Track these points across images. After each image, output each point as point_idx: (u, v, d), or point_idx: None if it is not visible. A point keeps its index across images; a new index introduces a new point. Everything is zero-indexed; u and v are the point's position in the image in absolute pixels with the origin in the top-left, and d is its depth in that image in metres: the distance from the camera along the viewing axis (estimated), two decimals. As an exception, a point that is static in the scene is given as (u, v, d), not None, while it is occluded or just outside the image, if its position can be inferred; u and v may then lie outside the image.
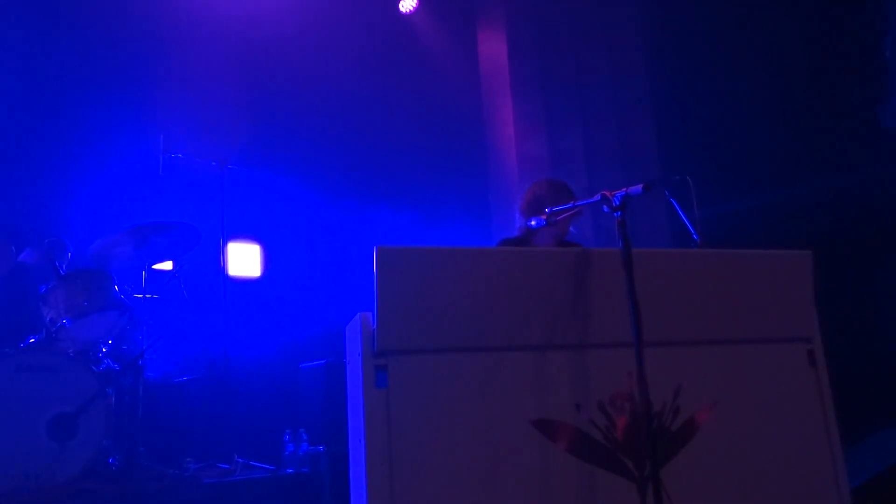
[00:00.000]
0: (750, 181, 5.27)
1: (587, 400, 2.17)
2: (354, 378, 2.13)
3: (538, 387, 2.13)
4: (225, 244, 4.35)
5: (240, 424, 4.07)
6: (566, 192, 3.20)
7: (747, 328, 2.37)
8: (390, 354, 2.03)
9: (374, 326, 2.03)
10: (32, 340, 3.44)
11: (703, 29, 5.57)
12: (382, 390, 2.01)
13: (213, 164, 4.40)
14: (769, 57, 5.31)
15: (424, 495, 1.97)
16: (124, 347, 3.77)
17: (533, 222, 2.85)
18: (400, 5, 6.17)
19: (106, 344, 3.61)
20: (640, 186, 2.14)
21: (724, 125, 5.41)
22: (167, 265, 4.41)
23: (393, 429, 1.99)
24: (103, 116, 4.61)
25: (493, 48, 6.37)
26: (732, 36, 5.49)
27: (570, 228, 3.22)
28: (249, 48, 5.42)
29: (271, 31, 5.54)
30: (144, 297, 3.98)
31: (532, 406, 2.12)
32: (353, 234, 5.37)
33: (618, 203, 2.15)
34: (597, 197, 2.24)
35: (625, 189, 2.16)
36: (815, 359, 2.44)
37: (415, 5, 6.19)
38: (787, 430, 2.33)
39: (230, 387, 4.13)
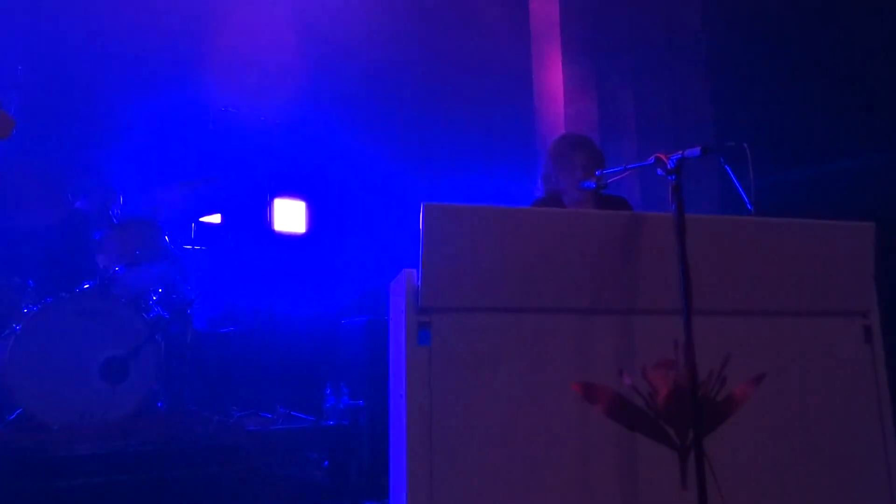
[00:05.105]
0: (808, 150, 5.05)
1: (630, 366, 2.14)
2: (397, 334, 2.13)
3: (581, 350, 2.11)
4: (271, 200, 4.40)
5: (282, 376, 4.17)
6: (574, 143, 2.97)
7: (801, 300, 2.29)
8: (434, 312, 2.02)
9: (419, 283, 2.02)
10: (87, 286, 3.55)
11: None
12: (425, 347, 2.01)
13: (262, 118, 4.44)
14: (831, 20, 5.04)
15: (463, 452, 1.98)
16: (173, 297, 3.86)
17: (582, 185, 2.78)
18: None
19: (156, 292, 3.71)
20: (697, 149, 2.07)
21: (782, 91, 5.17)
22: (215, 218, 4.49)
23: (434, 386, 1.99)
24: (158, 69, 4.66)
25: (545, 8, 6.21)
26: (793, -1, 5.22)
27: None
28: (300, 7, 5.39)
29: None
30: (193, 248, 4.07)
31: (574, 369, 2.10)
32: (398, 192, 5.37)
33: (673, 166, 2.07)
34: (650, 160, 2.17)
35: (681, 152, 2.09)
36: (871, 335, 2.36)
37: (466, -36, 6.05)
38: (837, 408, 2.27)
39: (274, 339, 4.23)
